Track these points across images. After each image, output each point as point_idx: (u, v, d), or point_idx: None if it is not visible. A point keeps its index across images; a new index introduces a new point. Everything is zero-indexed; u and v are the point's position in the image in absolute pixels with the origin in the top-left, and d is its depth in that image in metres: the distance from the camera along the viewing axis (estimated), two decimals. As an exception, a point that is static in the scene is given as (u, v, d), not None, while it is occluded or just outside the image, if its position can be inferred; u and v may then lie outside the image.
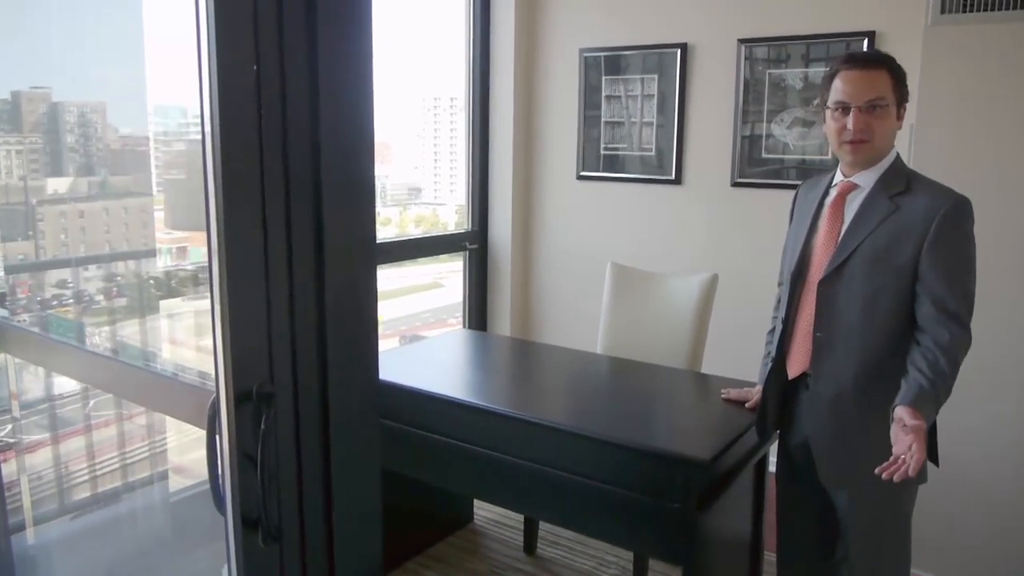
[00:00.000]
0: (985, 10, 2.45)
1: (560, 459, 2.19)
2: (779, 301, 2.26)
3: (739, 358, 3.49)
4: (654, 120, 3.89)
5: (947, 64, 2.55)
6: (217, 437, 1.21)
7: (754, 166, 3.64)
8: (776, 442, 2.18)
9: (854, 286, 1.82)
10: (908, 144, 2.74)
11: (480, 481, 2.41)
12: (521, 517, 3.13)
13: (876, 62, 1.80)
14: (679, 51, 3.75)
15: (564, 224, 4.30)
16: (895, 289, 1.78)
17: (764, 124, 3.59)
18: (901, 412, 1.66)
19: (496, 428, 2.30)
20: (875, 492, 1.81)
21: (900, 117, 1.85)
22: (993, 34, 2.45)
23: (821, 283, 1.87)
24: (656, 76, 3.85)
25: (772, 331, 2.26)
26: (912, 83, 2.81)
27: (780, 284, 2.26)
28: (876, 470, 1.66)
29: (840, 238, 1.86)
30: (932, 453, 1.84)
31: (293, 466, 1.24)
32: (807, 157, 3.51)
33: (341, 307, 1.27)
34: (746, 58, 3.58)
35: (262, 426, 1.16)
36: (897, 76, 1.81)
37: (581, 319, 4.19)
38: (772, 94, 3.55)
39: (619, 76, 3.96)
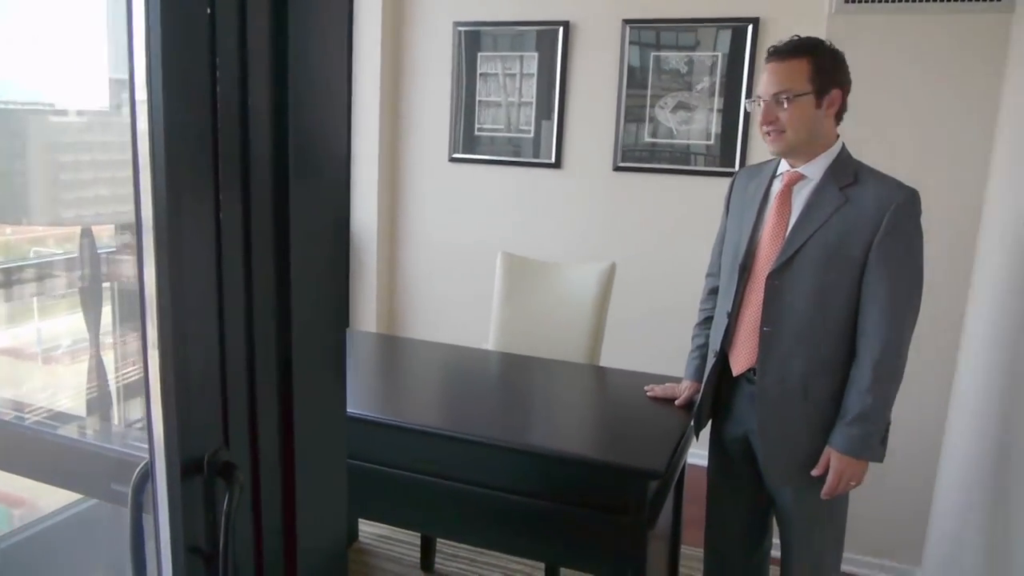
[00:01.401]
0: (886, 1, 2.47)
1: (487, 475, 1.97)
2: (708, 293, 2.19)
3: (637, 349, 3.43)
4: (533, 100, 3.71)
5: (849, 53, 2.55)
6: (147, 520, 0.88)
7: (637, 150, 3.56)
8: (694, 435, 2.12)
9: (804, 280, 1.77)
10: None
11: (382, 502, 2.13)
12: (415, 532, 2.87)
13: (795, 52, 1.76)
14: (561, 29, 3.58)
15: (435, 210, 4.03)
16: (846, 283, 1.75)
17: (647, 108, 3.51)
18: (831, 454, 1.78)
19: (411, 443, 2.03)
20: (819, 488, 1.81)
21: (830, 105, 1.79)
22: (894, 24, 2.48)
23: (770, 277, 1.81)
24: (536, 54, 3.67)
25: (701, 324, 2.19)
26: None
27: (709, 275, 2.20)
28: (813, 472, 1.81)
29: (788, 231, 1.81)
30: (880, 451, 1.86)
31: (250, 560, 0.94)
32: (690, 142, 3.48)
33: (309, 342, 0.97)
34: (631, 40, 3.48)
35: (225, 508, 0.84)
36: (819, 64, 1.76)
37: (460, 312, 3.96)
38: (656, 77, 3.48)
39: (496, 53, 3.74)
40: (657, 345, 3.56)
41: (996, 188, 2.37)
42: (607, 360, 2.91)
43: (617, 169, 3.61)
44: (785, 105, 1.76)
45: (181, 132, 0.79)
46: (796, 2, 3.21)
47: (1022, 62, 2.31)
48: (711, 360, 2.00)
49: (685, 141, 3.48)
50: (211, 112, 0.81)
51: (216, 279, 0.85)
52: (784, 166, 1.88)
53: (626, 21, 3.47)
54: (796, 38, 1.79)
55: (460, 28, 3.78)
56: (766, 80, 1.80)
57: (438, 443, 2.00)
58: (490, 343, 2.99)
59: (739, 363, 1.91)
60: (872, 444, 1.76)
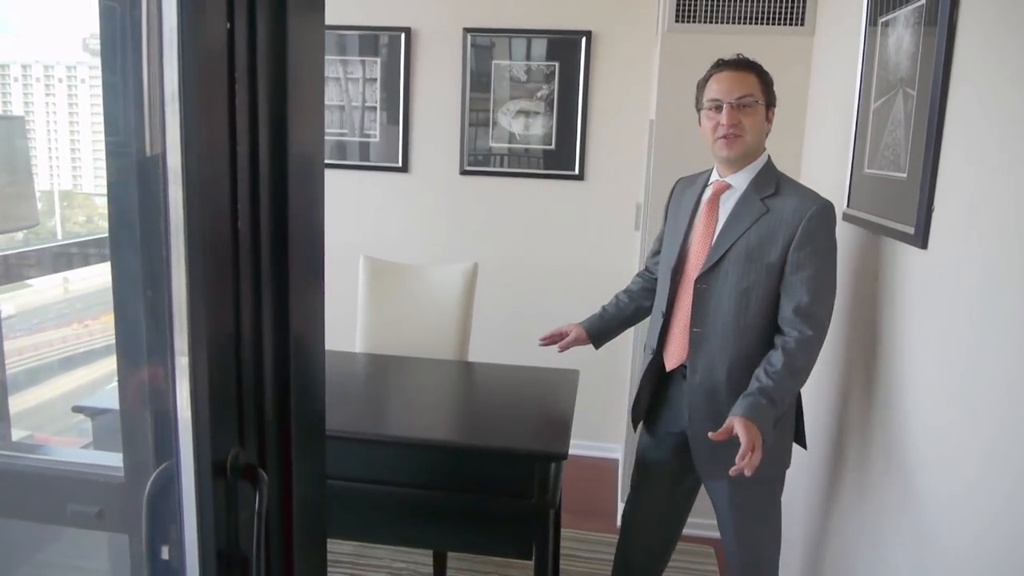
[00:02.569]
0: (711, 23, 2.80)
1: (392, 474, 2.02)
2: (634, 279, 2.35)
3: (499, 345, 3.57)
4: (377, 105, 3.75)
5: (681, 66, 2.85)
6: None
7: (482, 155, 3.71)
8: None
9: (728, 283, 1.90)
10: (648, 137, 3.03)
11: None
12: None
13: (745, 66, 1.91)
14: (403, 35, 3.65)
15: (279, 215, 3.94)
16: (765, 287, 1.87)
17: (491, 113, 3.67)
18: (734, 421, 1.75)
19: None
20: (752, 481, 1.85)
21: (769, 120, 1.94)
22: (717, 43, 2.79)
23: (698, 280, 1.93)
24: (378, 60, 3.70)
25: (618, 294, 2.34)
26: (650, 83, 3.11)
27: (643, 271, 2.34)
28: (712, 435, 1.78)
29: (715, 237, 1.94)
30: (800, 436, 2.02)
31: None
32: (531, 147, 3.68)
33: (301, 349, 1.01)
34: (472, 47, 3.62)
35: (257, 508, 0.87)
36: (764, 80, 1.91)
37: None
38: (497, 84, 3.64)
39: (338, 56, 3.73)
40: (516, 340, 3.74)
41: (810, 183, 2.76)
42: (473, 357, 3.03)
43: (464, 173, 3.74)
44: (749, 109, 1.88)
45: (206, 148, 0.81)
46: (625, 19, 3.51)
47: (821, 76, 2.71)
48: (646, 357, 2.11)
49: (527, 146, 3.68)
50: (229, 123, 0.84)
51: (234, 286, 0.87)
52: (714, 175, 2.02)
53: (467, 29, 3.60)
54: (741, 56, 1.94)
55: (298, 31, 3.73)
56: (726, 86, 1.89)
57: (339, 446, 2.02)
58: (358, 346, 3.00)
59: (671, 359, 2.02)
60: (767, 419, 1.79)
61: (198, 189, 0.79)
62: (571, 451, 2.01)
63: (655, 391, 2.10)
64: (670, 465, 2.10)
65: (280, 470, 1.00)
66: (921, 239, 1.66)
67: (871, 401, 1.98)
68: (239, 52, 0.84)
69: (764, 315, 1.89)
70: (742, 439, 1.72)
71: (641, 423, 2.15)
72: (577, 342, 2.28)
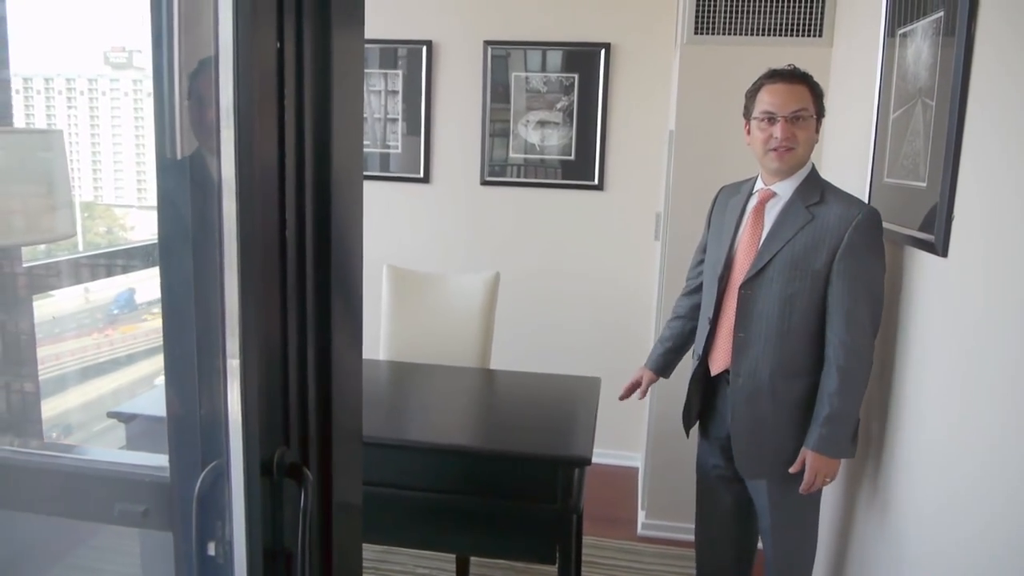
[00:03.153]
0: (730, 34, 2.83)
1: (418, 479, 2.06)
2: (682, 295, 2.35)
3: (520, 353, 3.61)
4: (399, 116, 3.81)
5: (700, 77, 2.89)
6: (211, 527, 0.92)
7: (502, 165, 3.76)
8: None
9: (772, 290, 1.93)
10: (668, 147, 3.06)
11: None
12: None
13: (798, 78, 1.93)
14: (424, 48, 3.71)
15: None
16: (809, 294, 1.89)
17: (511, 124, 3.72)
18: (805, 454, 1.92)
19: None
20: (791, 483, 1.96)
21: (817, 130, 1.97)
22: (735, 54, 2.83)
23: (742, 286, 1.97)
24: (400, 72, 3.77)
25: (670, 321, 2.36)
26: (669, 95, 3.15)
27: (687, 280, 2.35)
28: (791, 469, 1.93)
29: (760, 244, 1.97)
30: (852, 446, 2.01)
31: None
32: (551, 157, 3.72)
33: (342, 348, 1.05)
34: (492, 60, 3.68)
35: (303, 506, 0.91)
36: (815, 92, 1.94)
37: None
38: (518, 95, 3.69)
39: (360, 70, 3.79)
40: (538, 348, 3.78)
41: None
42: (495, 365, 3.07)
43: (484, 183, 3.78)
44: (801, 123, 1.91)
45: (258, 162, 0.85)
46: (641, 31, 3.55)
47: (839, 87, 2.73)
48: (694, 362, 2.16)
49: (547, 156, 3.72)
50: (279, 138, 0.89)
51: (280, 290, 0.92)
52: (759, 184, 2.05)
53: (487, 42, 3.66)
54: (792, 67, 1.96)
55: (322, 45, 3.80)
56: (781, 99, 1.91)
57: (367, 452, 2.06)
58: (381, 353, 3.05)
59: (716, 364, 2.07)
60: (841, 442, 1.90)
61: (250, 201, 0.84)
62: (595, 459, 2.06)
63: (705, 396, 2.14)
64: (724, 469, 2.14)
65: (320, 470, 1.04)
66: (941, 247, 1.68)
67: (890, 411, 1.99)
68: (288, 70, 0.88)
69: (808, 321, 1.91)
70: (806, 474, 1.90)
71: (696, 428, 2.21)
72: (651, 383, 2.36)
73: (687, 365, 2.29)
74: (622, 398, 2.38)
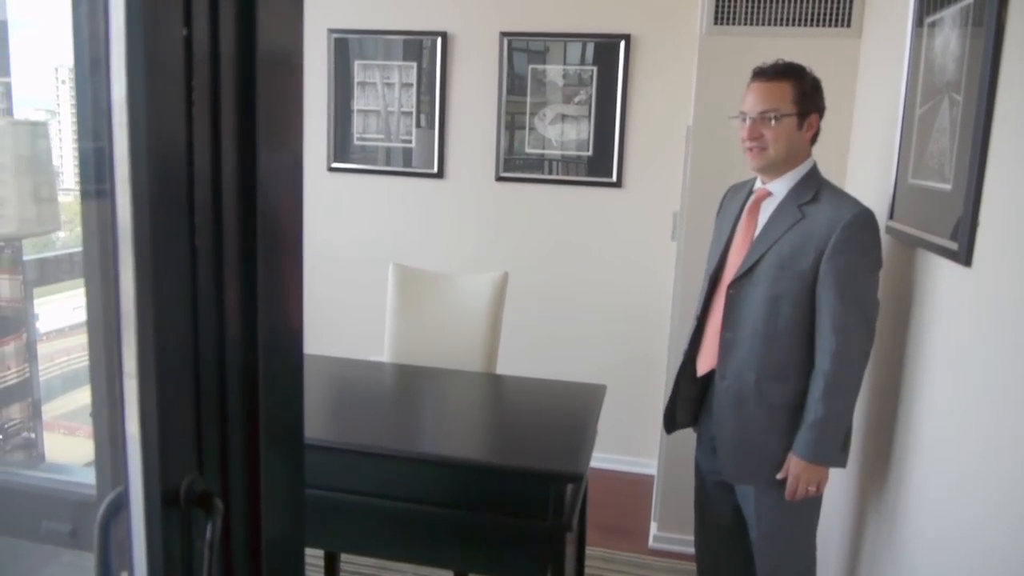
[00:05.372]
0: (752, 24, 2.69)
1: (403, 489, 1.98)
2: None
3: (530, 356, 3.51)
4: (413, 110, 3.72)
5: (720, 69, 2.75)
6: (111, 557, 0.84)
7: (518, 161, 3.65)
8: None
9: (759, 290, 1.88)
10: (685, 145, 2.93)
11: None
12: (318, 550, 2.80)
13: (780, 74, 1.86)
14: (439, 39, 3.61)
15: (315, 222, 3.94)
16: (796, 295, 1.83)
17: (527, 118, 3.61)
18: (791, 459, 1.87)
19: (324, 462, 2.00)
20: (777, 490, 1.90)
21: (809, 128, 1.89)
22: (758, 45, 2.67)
23: (730, 286, 1.93)
24: (415, 64, 3.68)
25: None
26: (688, 86, 3.01)
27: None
28: (777, 475, 1.88)
29: (751, 244, 1.93)
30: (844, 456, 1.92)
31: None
32: (569, 152, 3.60)
33: (272, 365, 0.96)
34: (509, 52, 3.57)
35: (208, 538, 0.82)
36: (801, 87, 1.86)
37: (350, 324, 3.90)
38: (534, 89, 3.58)
39: (374, 61, 3.72)
40: (549, 351, 3.67)
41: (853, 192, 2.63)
42: (502, 368, 2.97)
43: (499, 179, 3.68)
44: (772, 123, 1.85)
45: (156, 158, 0.77)
46: (664, 21, 3.41)
47: (867, 80, 2.57)
48: (681, 360, 2.11)
49: (564, 152, 3.61)
50: (187, 139, 0.80)
51: (191, 301, 0.83)
52: (758, 183, 2.00)
53: (503, 34, 3.55)
54: (781, 62, 1.88)
55: (335, 35, 3.73)
56: (752, 99, 1.88)
57: (350, 459, 1.99)
58: (385, 355, 2.97)
59: (703, 364, 2.03)
60: (827, 450, 1.84)
61: (148, 207, 0.75)
62: (604, 466, 2.00)
63: (696, 397, 2.10)
64: (720, 475, 2.06)
65: (249, 498, 0.95)
66: (964, 256, 1.54)
67: (900, 424, 1.85)
68: (198, 60, 0.79)
69: (795, 323, 1.85)
70: (789, 480, 1.87)
71: (693, 429, 2.17)
72: None
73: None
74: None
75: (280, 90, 0.92)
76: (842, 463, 1.91)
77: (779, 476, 1.89)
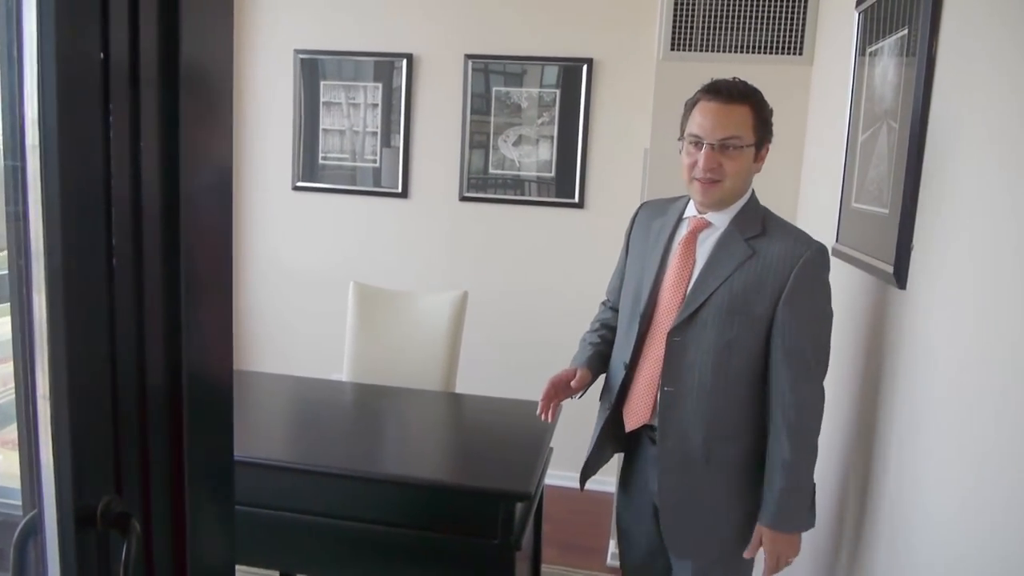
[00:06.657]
0: (708, 51, 2.74)
1: (353, 509, 1.97)
2: (601, 313, 2.07)
3: (489, 375, 3.51)
4: (378, 130, 3.74)
5: (676, 94, 2.78)
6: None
7: (482, 181, 3.68)
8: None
9: (706, 337, 1.63)
10: (643, 167, 2.97)
11: (240, 543, 2.06)
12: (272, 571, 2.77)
13: (739, 97, 1.62)
14: (405, 61, 3.64)
15: (280, 240, 3.93)
16: (750, 341, 1.62)
17: (491, 140, 3.64)
18: (762, 532, 1.66)
19: (272, 480, 1.99)
20: (722, 563, 1.73)
21: (760, 159, 1.68)
22: (714, 71, 2.72)
23: (672, 333, 1.66)
24: (380, 85, 3.70)
25: (592, 331, 2.01)
26: (647, 110, 3.06)
27: (605, 302, 2.09)
28: (745, 554, 1.70)
29: (691, 283, 1.67)
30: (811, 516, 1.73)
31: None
32: (531, 173, 3.63)
33: (198, 384, 0.96)
34: (473, 74, 3.60)
35: (123, 559, 0.82)
36: (760, 114, 1.64)
37: (310, 343, 3.88)
38: (499, 110, 3.62)
39: (340, 82, 3.73)
40: (509, 370, 3.67)
41: (804, 216, 2.68)
42: (462, 387, 2.97)
43: (463, 199, 3.70)
44: (731, 152, 1.61)
45: (70, 179, 0.77)
46: (628, 47, 3.47)
47: (818, 107, 2.63)
48: (604, 410, 1.85)
49: (527, 172, 3.64)
50: (104, 159, 0.80)
51: (108, 322, 0.83)
52: (691, 210, 1.74)
53: (468, 56, 3.59)
54: (738, 80, 1.65)
55: (301, 56, 3.74)
56: (711, 122, 1.61)
57: (303, 479, 1.98)
58: (344, 374, 2.96)
59: (633, 418, 1.77)
60: (800, 515, 1.66)
61: (61, 228, 0.75)
62: (563, 483, 1.89)
63: (623, 450, 1.90)
64: (646, 527, 1.85)
65: (172, 520, 0.95)
66: (900, 279, 1.57)
67: (869, 467, 1.88)
68: (116, 77, 0.80)
69: (746, 373, 1.64)
70: (766, 556, 1.66)
71: (617, 481, 1.96)
72: (582, 382, 1.86)
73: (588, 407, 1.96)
74: (542, 413, 1.85)
75: (205, 108, 0.93)
76: (811, 524, 1.69)
77: (747, 554, 1.70)
